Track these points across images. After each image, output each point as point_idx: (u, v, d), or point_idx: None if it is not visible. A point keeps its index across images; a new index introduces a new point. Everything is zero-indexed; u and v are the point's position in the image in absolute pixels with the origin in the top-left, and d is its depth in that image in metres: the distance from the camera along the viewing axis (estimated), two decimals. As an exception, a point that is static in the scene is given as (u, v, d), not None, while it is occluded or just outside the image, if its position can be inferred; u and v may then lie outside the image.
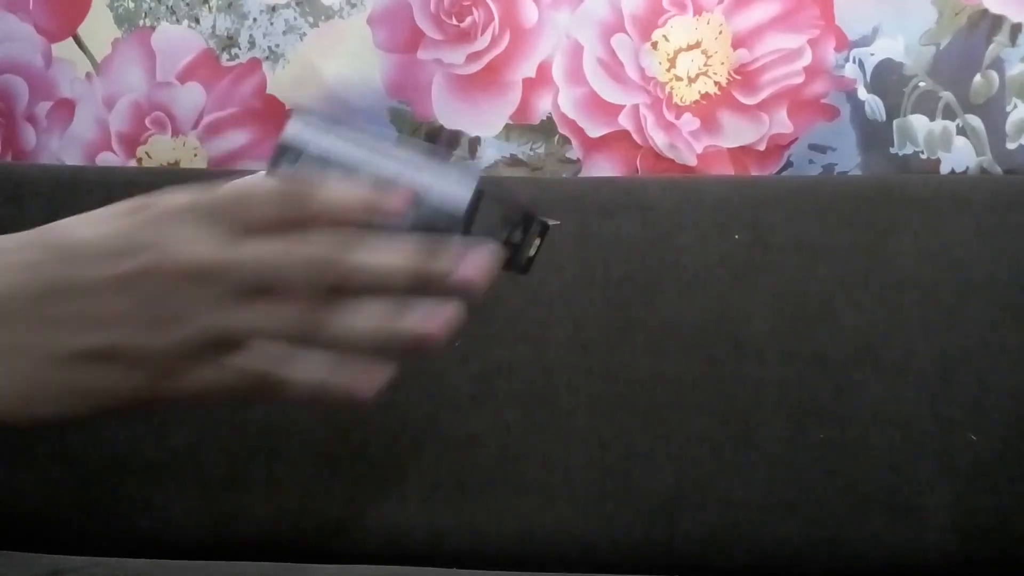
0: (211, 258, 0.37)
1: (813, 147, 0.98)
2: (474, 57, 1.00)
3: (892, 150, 0.97)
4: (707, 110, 0.99)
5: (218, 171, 1.00)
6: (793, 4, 0.97)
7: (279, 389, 0.38)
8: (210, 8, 1.03)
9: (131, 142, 1.04)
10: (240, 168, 1.01)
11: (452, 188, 0.45)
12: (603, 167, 1.00)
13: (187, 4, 1.03)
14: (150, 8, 1.03)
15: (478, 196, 0.45)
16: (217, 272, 0.37)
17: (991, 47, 0.96)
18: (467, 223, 0.44)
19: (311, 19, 1.02)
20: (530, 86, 1.00)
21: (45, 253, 0.36)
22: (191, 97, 1.03)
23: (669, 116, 0.99)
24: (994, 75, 0.96)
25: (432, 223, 0.44)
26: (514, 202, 0.50)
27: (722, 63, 0.98)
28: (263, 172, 0.44)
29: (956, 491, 0.85)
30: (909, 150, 0.97)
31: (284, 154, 0.44)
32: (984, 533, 0.84)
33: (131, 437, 0.91)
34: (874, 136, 0.97)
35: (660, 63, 0.99)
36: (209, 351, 0.37)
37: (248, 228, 0.38)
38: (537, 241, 0.55)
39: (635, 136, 1.00)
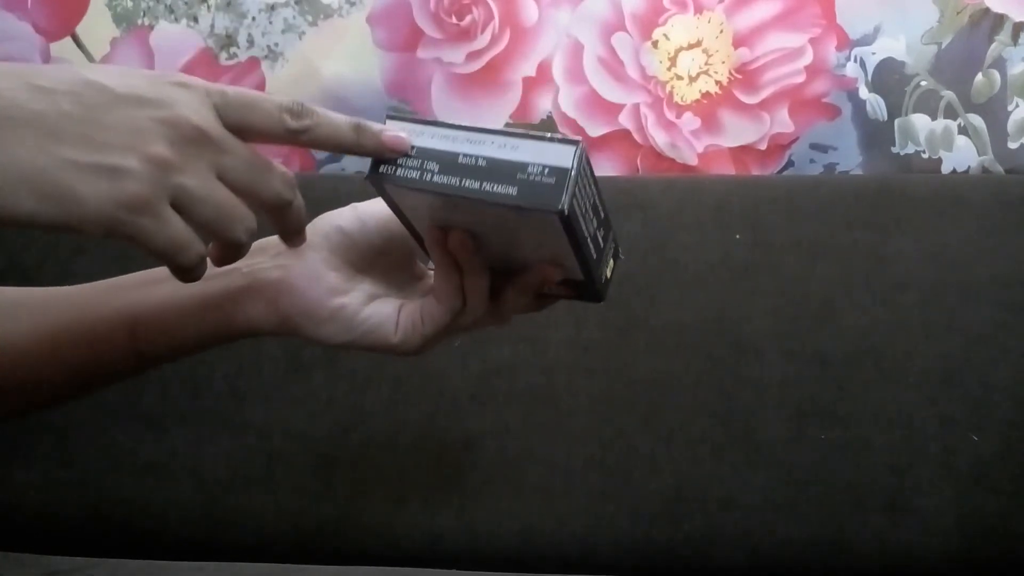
0: (219, 134, 0.44)
1: (814, 146, 0.98)
2: (474, 56, 1.00)
3: (893, 149, 0.97)
4: (708, 109, 0.99)
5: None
6: (794, 3, 0.97)
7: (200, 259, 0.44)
8: (209, 7, 1.02)
9: (130, 141, 1.03)
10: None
11: (552, 158, 0.45)
12: (603, 166, 1.00)
13: (185, 3, 1.03)
14: (148, 7, 1.03)
15: (581, 157, 0.45)
16: (219, 147, 0.44)
17: (993, 46, 0.95)
18: (570, 190, 0.44)
19: (310, 18, 1.01)
20: (530, 85, 1.00)
21: (85, 88, 0.42)
22: (190, 96, 1.02)
23: (670, 115, 0.99)
24: (996, 74, 0.95)
25: (535, 194, 0.44)
26: (599, 192, 0.49)
27: (723, 62, 0.98)
28: (366, 175, 0.49)
29: (957, 491, 0.85)
30: (911, 149, 0.97)
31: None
32: (985, 534, 0.84)
33: (130, 437, 0.91)
34: (875, 135, 0.97)
35: (661, 62, 0.99)
36: (173, 207, 0.43)
37: (242, 130, 0.45)
38: (611, 262, 0.53)
39: (635, 135, 1.00)
